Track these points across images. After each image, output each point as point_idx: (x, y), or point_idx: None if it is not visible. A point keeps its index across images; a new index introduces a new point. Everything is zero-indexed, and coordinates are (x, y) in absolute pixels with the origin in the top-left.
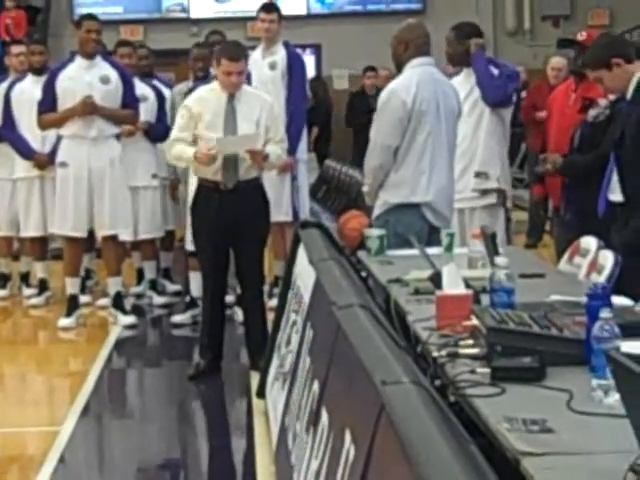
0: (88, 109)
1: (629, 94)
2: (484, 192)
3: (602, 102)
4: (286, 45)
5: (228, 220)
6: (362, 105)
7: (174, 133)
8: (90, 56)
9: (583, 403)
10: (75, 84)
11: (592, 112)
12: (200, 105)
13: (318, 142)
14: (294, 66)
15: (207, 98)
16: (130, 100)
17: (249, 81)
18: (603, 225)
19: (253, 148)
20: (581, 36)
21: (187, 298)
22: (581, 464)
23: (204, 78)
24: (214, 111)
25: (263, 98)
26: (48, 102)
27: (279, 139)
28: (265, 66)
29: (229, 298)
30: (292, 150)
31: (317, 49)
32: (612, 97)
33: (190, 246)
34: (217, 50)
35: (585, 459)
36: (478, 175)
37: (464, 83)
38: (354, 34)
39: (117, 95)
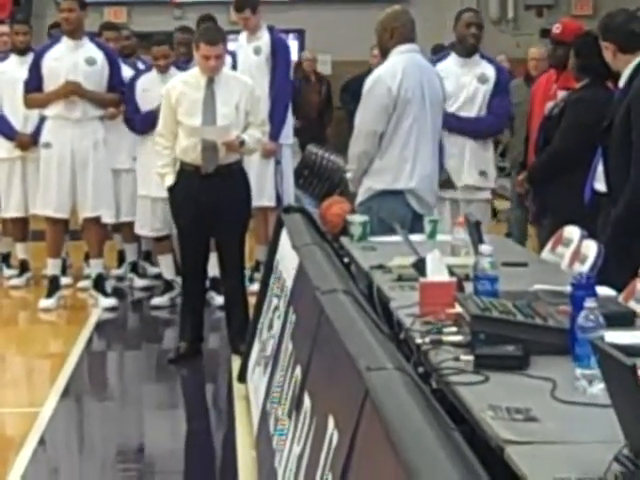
0: (70, 88)
1: (622, 82)
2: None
3: (560, 94)
4: (270, 30)
5: (209, 204)
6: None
7: (159, 127)
8: (75, 37)
9: (567, 392)
10: (60, 64)
11: (549, 104)
12: (180, 89)
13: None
14: (278, 51)
15: (187, 82)
16: (116, 83)
17: (235, 65)
18: (565, 220)
19: (227, 139)
20: (556, 29)
21: None
22: (565, 453)
23: (186, 62)
24: (193, 95)
25: (243, 81)
26: (34, 82)
27: (259, 122)
28: (250, 51)
29: None
30: (275, 135)
31: (300, 34)
32: (578, 86)
33: (140, 230)
34: (196, 34)
35: (570, 448)
36: (482, 174)
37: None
38: (338, 20)
39: (102, 77)
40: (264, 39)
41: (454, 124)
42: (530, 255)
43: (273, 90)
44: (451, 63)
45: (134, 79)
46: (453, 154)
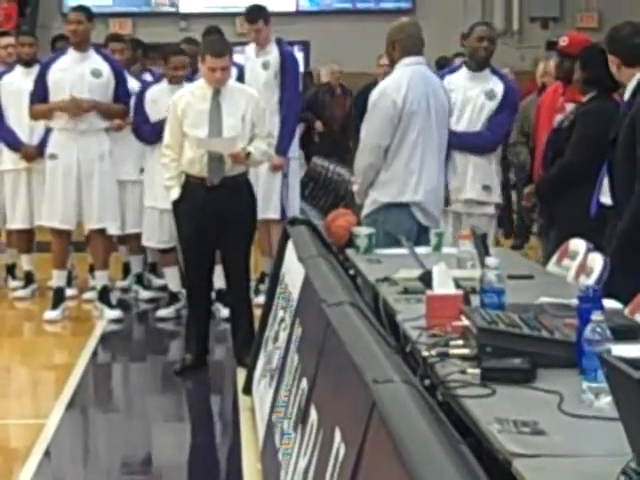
0: (74, 111)
1: (627, 95)
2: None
3: (569, 107)
4: (279, 43)
5: (214, 216)
6: None
7: (166, 139)
8: (82, 48)
9: (574, 405)
10: (66, 76)
11: (558, 117)
12: (186, 101)
13: (305, 139)
14: (287, 66)
15: (193, 94)
16: (121, 94)
17: (241, 77)
18: (572, 232)
19: (233, 151)
20: (563, 42)
21: None
22: (573, 466)
23: (192, 74)
24: (199, 107)
25: (249, 93)
26: (39, 93)
27: (265, 134)
28: (258, 65)
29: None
30: (284, 150)
31: (306, 46)
32: (585, 98)
33: (147, 242)
34: (202, 46)
35: (577, 462)
36: (486, 188)
37: (479, 83)
38: (343, 32)
39: (108, 89)
40: (273, 53)
41: (452, 140)
42: (536, 267)
43: (283, 105)
44: (461, 77)
45: (143, 90)
46: (456, 168)
